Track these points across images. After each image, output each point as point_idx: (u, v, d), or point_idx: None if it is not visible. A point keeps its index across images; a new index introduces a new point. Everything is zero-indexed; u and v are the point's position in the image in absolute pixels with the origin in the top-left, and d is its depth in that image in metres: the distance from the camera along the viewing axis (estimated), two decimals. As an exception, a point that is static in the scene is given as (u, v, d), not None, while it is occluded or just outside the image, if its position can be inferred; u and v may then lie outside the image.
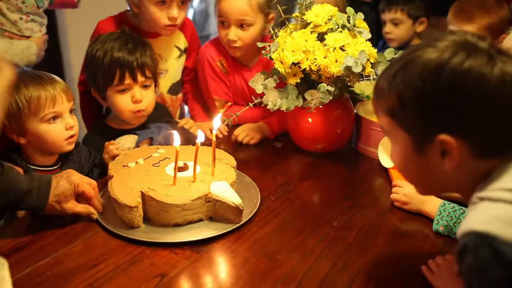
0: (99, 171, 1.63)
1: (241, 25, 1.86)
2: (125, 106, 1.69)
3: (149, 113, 1.75)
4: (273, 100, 1.56)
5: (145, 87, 1.71)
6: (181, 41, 2.03)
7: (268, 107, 1.58)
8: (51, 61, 2.74)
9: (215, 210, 1.30)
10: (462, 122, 0.83)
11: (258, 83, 1.61)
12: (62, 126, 1.47)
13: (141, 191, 1.29)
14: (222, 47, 1.99)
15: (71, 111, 1.49)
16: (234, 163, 1.48)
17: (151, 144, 1.68)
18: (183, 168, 1.39)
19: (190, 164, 1.41)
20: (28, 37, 2.06)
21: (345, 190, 1.53)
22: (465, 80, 0.81)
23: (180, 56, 2.04)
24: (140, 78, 1.67)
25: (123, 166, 1.43)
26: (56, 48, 2.77)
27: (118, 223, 1.29)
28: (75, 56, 2.81)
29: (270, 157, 1.77)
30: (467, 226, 0.78)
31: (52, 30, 2.57)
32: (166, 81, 2.02)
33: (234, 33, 1.86)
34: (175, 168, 1.33)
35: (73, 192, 1.27)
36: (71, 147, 1.51)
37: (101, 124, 1.81)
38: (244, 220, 1.31)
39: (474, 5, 2.13)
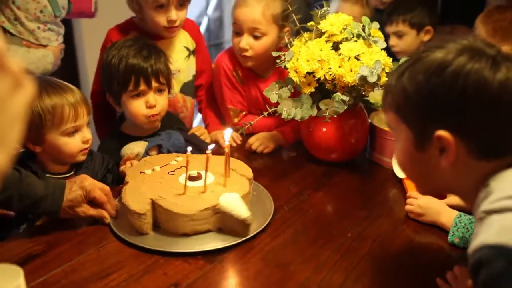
0: (113, 177, 1.65)
1: (254, 34, 1.87)
2: (139, 111, 1.70)
3: (162, 116, 1.77)
4: (288, 109, 1.56)
5: (159, 91, 1.73)
6: (189, 42, 2.05)
7: (282, 116, 1.57)
8: (67, 70, 2.77)
9: (224, 222, 1.30)
10: (461, 121, 0.86)
11: (272, 92, 1.61)
12: (79, 139, 1.49)
13: (151, 199, 1.30)
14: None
15: (87, 123, 1.52)
16: (251, 174, 1.46)
17: (160, 151, 1.69)
18: (197, 178, 1.38)
19: (203, 173, 1.40)
20: (45, 46, 2.08)
21: (359, 201, 1.52)
22: (466, 80, 0.84)
23: (188, 56, 2.06)
24: (154, 84, 1.69)
25: (140, 172, 1.45)
26: (72, 57, 2.80)
27: (133, 231, 1.30)
28: (91, 65, 2.83)
29: (284, 166, 1.77)
30: (479, 241, 0.78)
31: (69, 39, 2.60)
32: (178, 81, 2.04)
33: (246, 41, 1.87)
34: (186, 177, 1.33)
35: (85, 197, 1.30)
36: (84, 157, 1.54)
37: (116, 131, 1.83)
38: (257, 230, 1.31)
39: (509, 22, 2.05)
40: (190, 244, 1.25)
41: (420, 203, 1.36)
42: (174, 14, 1.84)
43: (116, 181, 1.63)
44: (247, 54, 1.90)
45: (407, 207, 1.40)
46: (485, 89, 0.84)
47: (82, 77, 2.91)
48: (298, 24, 1.73)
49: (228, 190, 1.35)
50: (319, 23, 1.66)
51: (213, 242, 1.26)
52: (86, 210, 1.31)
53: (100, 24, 2.55)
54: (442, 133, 0.86)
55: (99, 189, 1.33)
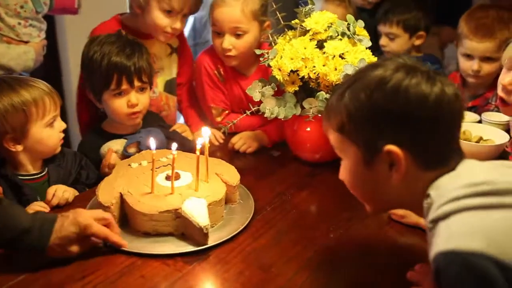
0: (87, 173, 1.61)
1: (235, 33, 1.84)
2: (120, 109, 1.68)
3: (144, 114, 1.75)
4: (271, 108, 1.54)
5: (142, 90, 1.70)
6: (173, 40, 2.01)
7: (265, 115, 1.55)
8: (49, 66, 2.73)
9: (185, 227, 1.26)
10: (407, 134, 0.90)
11: (255, 90, 1.59)
12: (58, 129, 1.49)
13: (120, 193, 1.29)
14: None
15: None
16: (236, 181, 1.41)
17: (139, 148, 1.66)
18: (175, 177, 1.35)
19: (184, 174, 1.38)
20: (26, 42, 2.04)
21: (343, 201, 1.49)
22: (407, 93, 0.89)
23: (171, 53, 2.03)
24: (136, 83, 1.66)
25: (128, 165, 1.44)
26: (54, 53, 2.75)
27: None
28: (74, 61, 2.79)
29: (267, 166, 1.74)
30: (434, 251, 0.82)
31: (51, 36, 2.55)
32: (161, 79, 2.01)
33: (228, 42, 1.84)
34: (152, 176, 1.31)
35: (80, 235, 1.14)
36: (59, 149, 1.53)
37: (97, 129, 1.80)
38: (237, 230, 1.28)
39: (492, 19, 2.06)
40: (168, 245, 1.22)
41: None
42: (179, 24, 1.83)
43: (93, 178, 1.60)
44: (231, 54, 1.87)
45: (390, 208, 1.38)
46: (425, 101, 0.88)
47: (64, 73, 2.86)
48: (282, 22, 1.71)
49: (199, 195, 1.30)
50: (303, 21, 1.64)
51: (173, 245, 1.23)
52: (79, 248, 1.16)
53: (83, 21, 2.52)
54: (390, 147, 0.89)
55: (98, 220, 1.17)
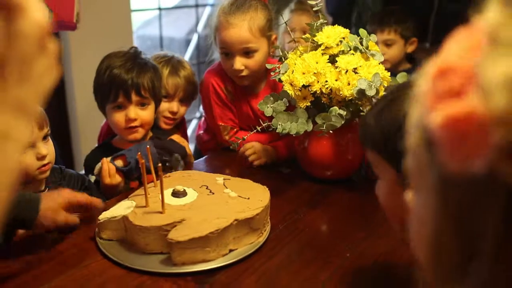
0: (91, 194, 1.54)
1: (246, 53, 1.80)
2: (119, 123, 1.67)
3: (146, 131, 1.73)
4: (283, 123, 1.50)
5: (142, 105, 1.68)
6: None
7: (277, 131, 1.51)
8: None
9: None
10: None
11: (267, 105, 1.55)
12: (33, 156, 1.36)
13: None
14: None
15: (45, 137, 1.39)
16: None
17: (128, 162, 1.60)
18: (180, 194, 1.32)
19: (188, 190, 1.35)
20: None
21: (357, 220, 1.45)
22: None
23: None
24: (134, 97, 1.65)
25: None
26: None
27: (120, 250, 1.22)
28: (78, 77, 2.77)
29: (277, 184, 1.68)
30: None
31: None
32: None
33: (240, 63, 1.79)
34: (144, 189, 1.28)
35: (65, 205, 1.21)
36: (45, 175, 1.41)
37: (104, 144, 1.80)
38: (252, 249, 1.24)
39: None
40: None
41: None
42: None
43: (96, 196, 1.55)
44: (243, 74, 1.83)
45: (408, 226, 1.34)
46: None
47: (67, 86, 2.83)
48: (292, 37, 1.68)
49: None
50: (315, 36, 1.61)
51: (203, 262, 1.18)
52: (67, 217, 1.21)
53: (86, 35, 2.50)
54: None
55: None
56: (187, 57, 4.01)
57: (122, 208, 1.28)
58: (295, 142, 1.72)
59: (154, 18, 3.93)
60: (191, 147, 1.96)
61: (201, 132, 2.17)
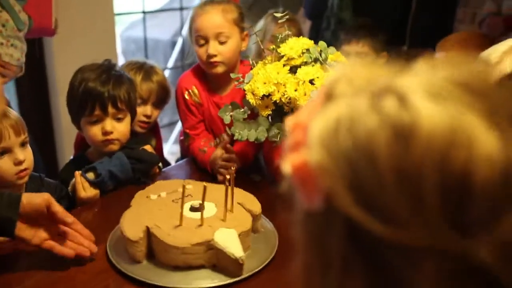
0: (67, 204, 1.61)
1: (219, 39, 1.88)
2: (95, 137, 1.69)
3: (122, 143, 1.73)
4: (240, 131, 1.57)
5: (118, 119, 1.70)
6: None
7: (235, 138, 1.59)
8: (38, 87, 2.76)
9: (218, 259, 1.24)
10: None
11: (226, 113, 1.62)
12: (10, 162, 1.42)
13: (147, 226, 1.27)
14: (198, 73, 2.01)
15: (23, 144, 1.46)
16: (258, 210, 1.40)
17: (97, 174, 1.62)
18: (198, 209, 1.32)
19: (207, 205, 1.35)
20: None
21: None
22: None
23: None
24: (111, 110, 1.67)
25: (146, 197, 1.43)
26: (42, 74, 2.77)
27: (126, 260, 1.27)
28: (61, 81, 2.81)
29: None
30: None
31: (39, 56, 2.59)
32: None
33: (213, 47, 1.87)
34: (181, 207, 1.27)
35: (44, 210, 1.17)
36: (23, 181, 1.47)
37: (79, 156, 1.82)
38: (268, 259, 1.27)
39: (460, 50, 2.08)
40: (184, 279, 1.21)
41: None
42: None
43: (70, 207, 1.59)
44: (217, 59, 1.89)
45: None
46: None
47: (52, 93, 2.87)
48: (261, 46, 1.75)
49: (227, 225, 1.29)
50: (279, 47, 1.68)
51: (208, 279, 1.21)
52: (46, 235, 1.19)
53: (69, 41, 2.56)
54: None
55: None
56: (172, 59, 4.08)
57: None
58: (263, 151, 1.79)
59: (139, 20, 3.98)
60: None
61: (182, 137, 2.24)
